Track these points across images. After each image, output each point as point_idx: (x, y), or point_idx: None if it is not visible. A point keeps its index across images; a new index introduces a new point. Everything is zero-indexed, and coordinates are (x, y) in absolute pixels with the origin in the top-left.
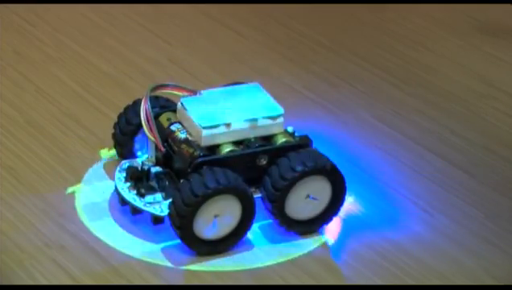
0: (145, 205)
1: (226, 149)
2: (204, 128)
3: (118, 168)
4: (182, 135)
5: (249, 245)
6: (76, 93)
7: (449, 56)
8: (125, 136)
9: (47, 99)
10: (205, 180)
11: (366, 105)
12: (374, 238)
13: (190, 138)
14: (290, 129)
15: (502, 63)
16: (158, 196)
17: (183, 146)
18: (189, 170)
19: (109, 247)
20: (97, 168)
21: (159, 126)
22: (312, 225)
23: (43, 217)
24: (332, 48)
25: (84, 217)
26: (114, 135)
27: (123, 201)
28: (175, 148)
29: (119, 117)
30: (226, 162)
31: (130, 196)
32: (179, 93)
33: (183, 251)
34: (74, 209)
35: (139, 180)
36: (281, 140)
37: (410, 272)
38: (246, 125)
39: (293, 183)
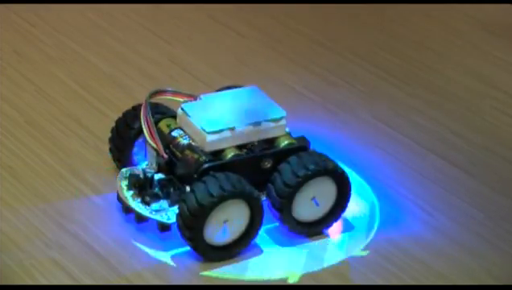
0: (151, 213)
1: (230, 153)
2: (209, 133)
3: (119, 176)
4: (185, 141)
5: (257, 249)
6: (76, 93)
7: (449, 56)
8: (124, 141)
9: (47, 99)
10: (209, 188)
11: (366, 105)
12: (375, 238)
13: (193, 143)
14: (286, 130)
15: (502, 63)
16: (164, 203)
17: (187, 152)
18: (195, 176)
19: (109, 247)
20: (98, 168)
21: (160, 133)
22: (319, 226)
23: (43, 217)
24: (332, 48)
25: (84, 217)
26: (112, 140)
27: (127, 210)
28: (178, 154)
29: (117, 122)
30: (232, 166)
31: (135, 204)
32: (179, 99)
33: (183, 251)
34: (74, 209)
35: (142, 187)
36: (283, 143)
37: (410, 272)
38: (250, 128)
39: (297, 188)
